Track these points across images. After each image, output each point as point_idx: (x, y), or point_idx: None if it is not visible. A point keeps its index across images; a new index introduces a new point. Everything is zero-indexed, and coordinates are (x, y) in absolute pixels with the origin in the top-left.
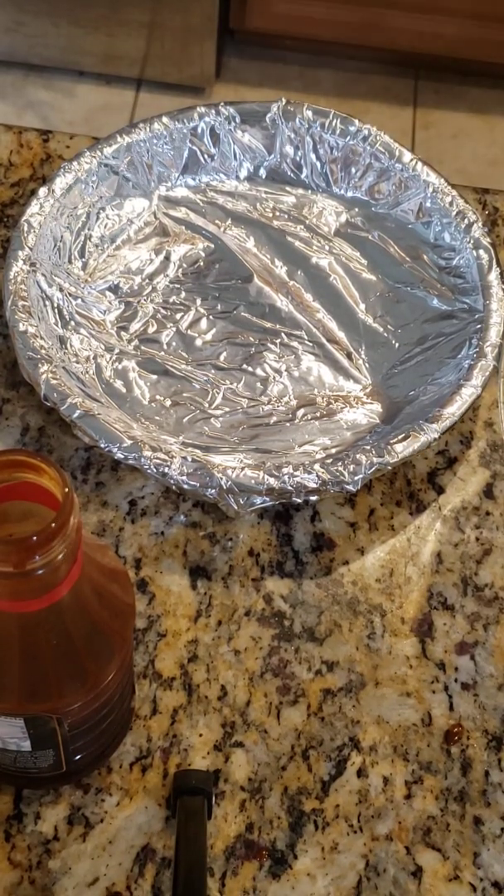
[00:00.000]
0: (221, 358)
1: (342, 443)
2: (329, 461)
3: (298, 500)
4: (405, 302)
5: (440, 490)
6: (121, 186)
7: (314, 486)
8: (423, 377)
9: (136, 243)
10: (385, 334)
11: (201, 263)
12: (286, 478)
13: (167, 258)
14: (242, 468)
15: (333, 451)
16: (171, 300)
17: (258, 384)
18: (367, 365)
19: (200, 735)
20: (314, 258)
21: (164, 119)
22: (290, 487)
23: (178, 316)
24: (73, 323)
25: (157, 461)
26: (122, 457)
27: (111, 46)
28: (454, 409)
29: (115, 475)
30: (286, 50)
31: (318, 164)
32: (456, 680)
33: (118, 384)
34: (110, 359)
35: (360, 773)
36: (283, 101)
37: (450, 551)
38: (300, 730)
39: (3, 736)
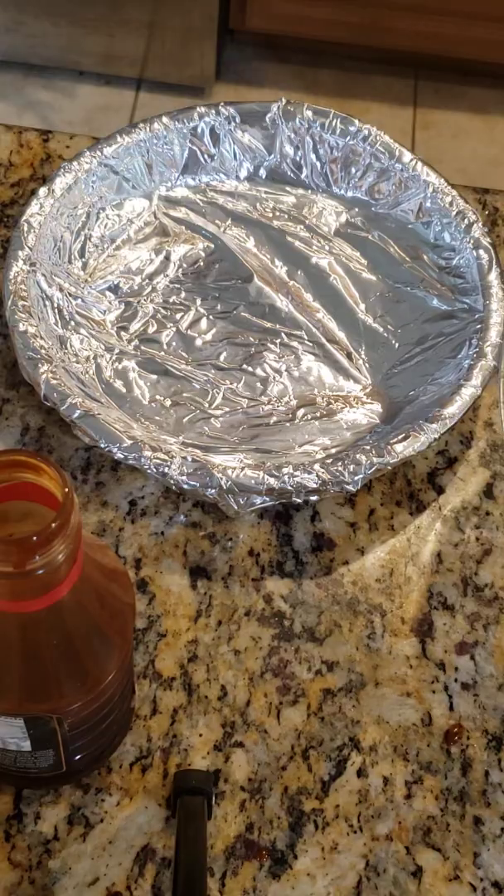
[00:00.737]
0: (221, 358)
1: (342, 443)
2: (329, 461)
3: (298, 500)
4: (405, 302)
5: (440, 490)
6: (121, 186)
7: (314, 486)
8: (423, 377)
9: (136, 243)
10: (385, 334)
11: (201, 263)
12: (286, 478)
13: (167, 258)
14: (242, 468)
15: (333, 451)
16: (171, 300)
17: (258, 384)
18: (367, 365)
19: (200, 735)
20: (314, 258)
21: (164, 119)
22: (290, 487)
23: (178, 316)
24: (73, 323)
25: (157, 461)
26: (122, 457)
27: (111, 46)
28: (454, 409)
29: (115, 475)
30: (286, 50)
31: (318, 164)
32: (456, 680)
33: (118, 384)
34: (110, 359)
35: (360, 773)
36: (283, 101)
37: (450, 551)
38: (300, 730)
39: (3, 736)
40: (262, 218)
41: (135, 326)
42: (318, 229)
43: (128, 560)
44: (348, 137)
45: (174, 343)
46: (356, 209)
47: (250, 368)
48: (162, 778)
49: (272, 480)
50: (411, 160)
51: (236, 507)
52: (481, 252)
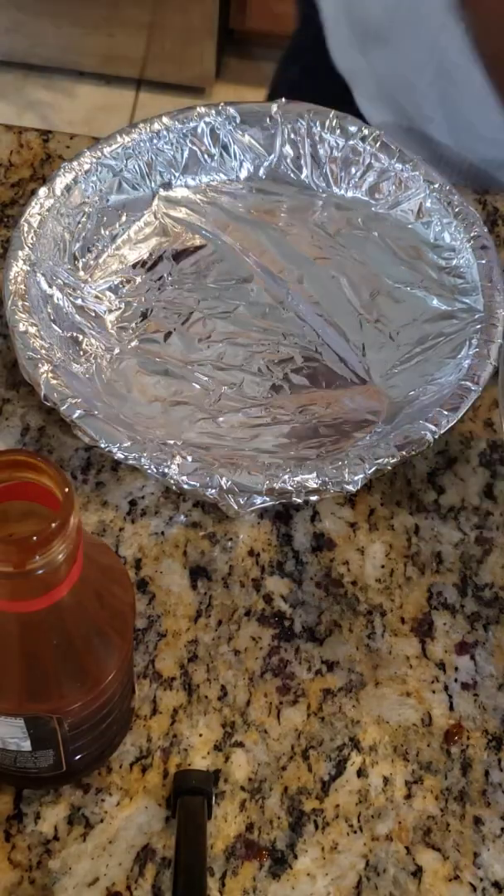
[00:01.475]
0: (221, 358)
1: (342, 443)
2: (329, 461)
3: (298, 500)
4: (405, 302)
5: (440, 490)
6: (121, 186)
7: (314, 486)
8: (423, 377)
9: (136, 243)
10: (385, 334)
11: (201, 263)
12: (286, 478)
13: (167, 258)
14: (242, 468)
15: (333, 450)
16: (171, 300)
17: (258, 384)
18: (366, 365)
19: (200, 735)
20: (314, 258)
21: (164, 119)
22: (290, 487)
23: (178, 316)
24: (73, 323)
25: (157, 461)
26: (122, 457)
27: (111, 46)
28: (454, 410)
29: (115, 475)
30: None
31: (318, 164)
32: (456, 680)
33: (118, 384)
34: (110, 359)
35: (360, 773)
36: (283, 100)
37: (450, 551)
38: (300, 730)
39: (3, 736)
40: (262, 218)
41: (135, 326)
42: (318, 229)
43: (128, 560)
44: (348, 137)
45: (174, 343)
46: (356, 209)
47: (250, 368)
48: (162, 778)
49: (272, 480)
50: (411, 160)
51: (236, 507)
52: (481, 252)
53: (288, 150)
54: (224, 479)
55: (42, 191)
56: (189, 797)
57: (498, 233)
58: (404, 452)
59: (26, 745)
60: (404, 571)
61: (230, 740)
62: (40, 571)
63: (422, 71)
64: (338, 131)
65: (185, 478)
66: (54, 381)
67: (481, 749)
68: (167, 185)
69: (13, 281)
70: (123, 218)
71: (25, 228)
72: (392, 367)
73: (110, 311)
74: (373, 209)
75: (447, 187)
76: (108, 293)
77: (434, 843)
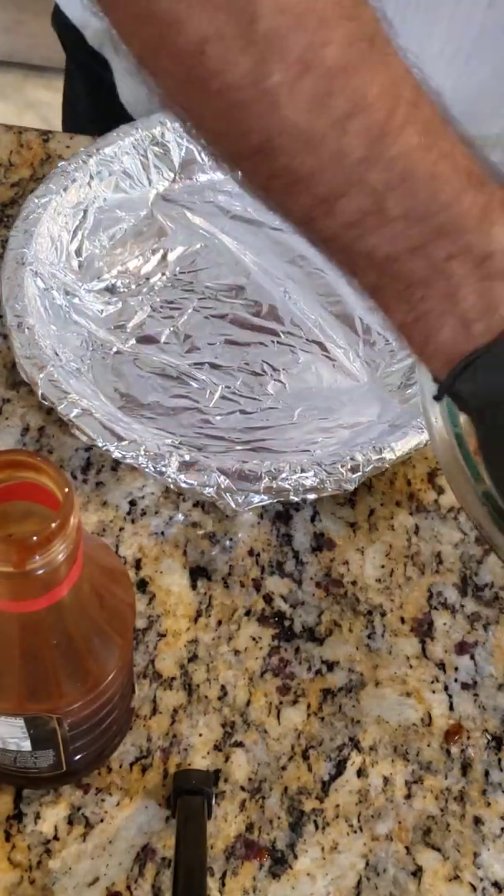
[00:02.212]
0: (219, 357)
1: (340, 441)
2: (327, 460)
3: (297, 499)
4: None
5: (440, 490)
6: (118, 186)
7: (312, 484)
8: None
9: (133, 243)
10: (382, 332)
11: (198, 263)
12: (284, 476)
13: (164, 257)
14: (240, 467)
15: (331, 449)
16: (168, 299)
17: (256, 383)
18: (365, 363)
19: (200, 735)
20: (311, 256)
21: (162, 118)
22: (288, 486)
23: (175, 315)
24: (71, 322)
25: (155, 460)
26: (120, 455)
27: None
28: None
29: (115, 475)
30: None
31: None
32: (456, 680)
33: (116, 383)
34: (108, 358)
35: (360, 773)
36: None
37: (450, 551)
38: (300, 730)
39: (3, 736)
40: (259, 217)
41: (132, 325)
42: None
43: (128, 560)
44: None
45: (172, 342)
46: None
47: (248, 367)
48: (162, 778)
49: (270, 479)
50: None
51: (234, 506)
52: None
53: None
54: (222, 477)
55: (40, 190)
56: (189, 797)
57: None
58: (403, 451)
59: (26, 745)
60: (404, 571)
61: (230, 740)
62: (40, 571)
63: None
64: None
65: (182, 476)
66: (52, 381)
67: (481, 749)
68: (164, 184)
69: (11, 280)
70: (121, 217)
71: (24, 228)
72: (389, 365)
73: (108, 310)
74: None
75: None
76: (105, 292)
77: (434, 843)
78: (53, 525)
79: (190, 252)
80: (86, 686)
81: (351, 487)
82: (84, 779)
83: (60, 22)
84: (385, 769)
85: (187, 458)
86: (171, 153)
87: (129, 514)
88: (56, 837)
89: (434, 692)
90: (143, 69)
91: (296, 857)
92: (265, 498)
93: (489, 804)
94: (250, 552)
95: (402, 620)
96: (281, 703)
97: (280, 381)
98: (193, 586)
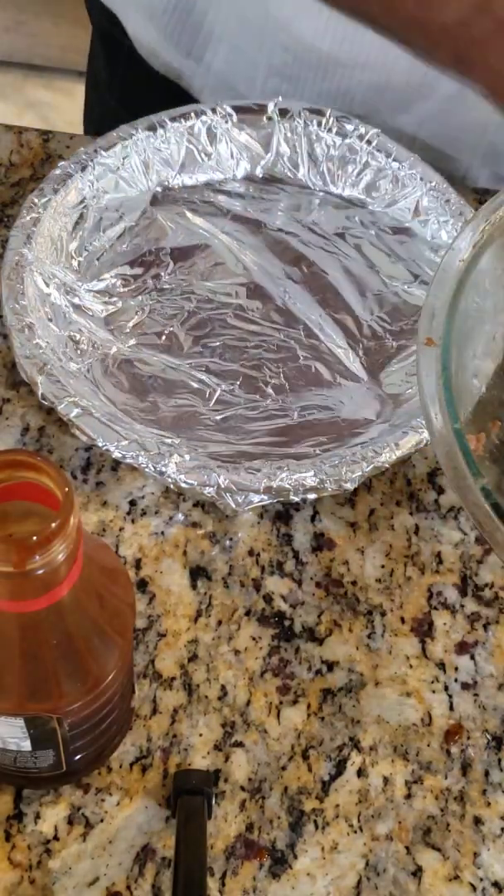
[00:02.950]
0: (219, 357)
1: (340, 441)
2: (327, 460)
3: (296, 499)
4: (402, 300)
5: (440, 490)
6: (118, 185)
7: (312, 484)
8: None
9: (132, 242)
10: (382, 332)
11: (198, 262)
12: (284, 476)
13: (164, 257)
14: (240, 467)
15: (331, 449)
16: (168, 299)
17: (256, 383)
18: (364, 363)
19: (200, 735)
20: (311, 256)
21: (162, 118)
22: (287, 486)
23: (175, 315)
24: (70, 322)
25: (155, 459)
26: (120, 455)
27: None
28: None
29: (115, 475)
30: None
31: (315, 162)
32: (456, 680)
33: (116, 383)
34: (108, 358)
35: (360, 772)
36: (280, 99)
37: (450, 551)
38: (300, 730)
39: (3, 736)
40: (259, 217)
41: (132, 325)
42: (315, 228)
43: (128, 560)
44: (345, 136)
45: (172, 342)
46: (353, 207)
47: (248, 367)
48: (162, 778)
49: (270, 479)
50: (409, 158)
51: (234, 506)
52: None
53: (285, 148)
54: (222, 477)
55: (39, 189)
56: (189, 797)
57: None
58: (403, 451)
59: (26, 745)
60: (404, 571)
61: (230, 740)
62: (40, 571)
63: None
64: (335, 130)
65: (182, 476)
66: (52, 380)
67: (481, 749)
68: (164, 184)
69: (11, 280)
70: (120, 217)
71: (23, 228)
72: (390, 366)
73: (108, 309)
74: (370, 207)
75: (444, 185)
76: (105, 292)
77: (434, 843)
78: (53, 525)
79: (189, 251)
80: (86, 686)
81: (351, 487)
82: (84, 779)
83: None
84: (385, 769)
85: (187, 457)
86: (171, 153)
87: (129, 514)
88: (56, 837)
89: (434, 692)
90: None
91: (296, 857)
92: (265, 498)
93: (489, 804)
94: (250, 552)
95: (403, 620)
96: (281, 703)
97: (280, 381)
98: (193, 586)
